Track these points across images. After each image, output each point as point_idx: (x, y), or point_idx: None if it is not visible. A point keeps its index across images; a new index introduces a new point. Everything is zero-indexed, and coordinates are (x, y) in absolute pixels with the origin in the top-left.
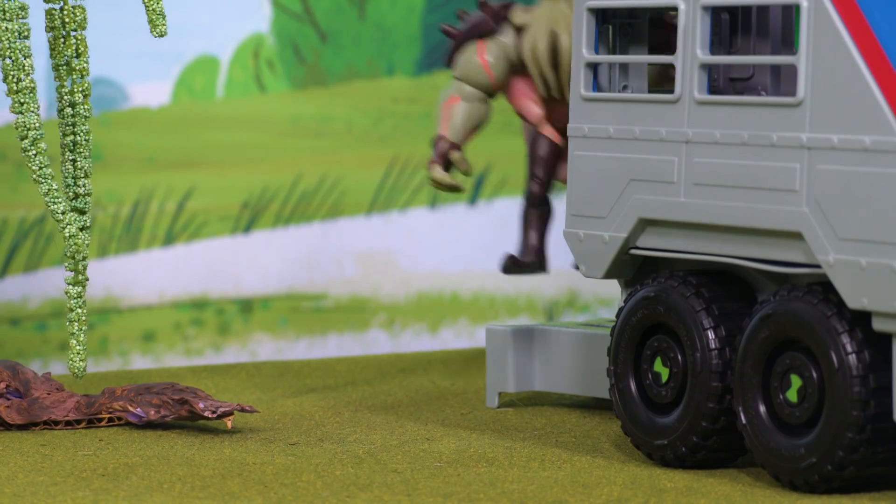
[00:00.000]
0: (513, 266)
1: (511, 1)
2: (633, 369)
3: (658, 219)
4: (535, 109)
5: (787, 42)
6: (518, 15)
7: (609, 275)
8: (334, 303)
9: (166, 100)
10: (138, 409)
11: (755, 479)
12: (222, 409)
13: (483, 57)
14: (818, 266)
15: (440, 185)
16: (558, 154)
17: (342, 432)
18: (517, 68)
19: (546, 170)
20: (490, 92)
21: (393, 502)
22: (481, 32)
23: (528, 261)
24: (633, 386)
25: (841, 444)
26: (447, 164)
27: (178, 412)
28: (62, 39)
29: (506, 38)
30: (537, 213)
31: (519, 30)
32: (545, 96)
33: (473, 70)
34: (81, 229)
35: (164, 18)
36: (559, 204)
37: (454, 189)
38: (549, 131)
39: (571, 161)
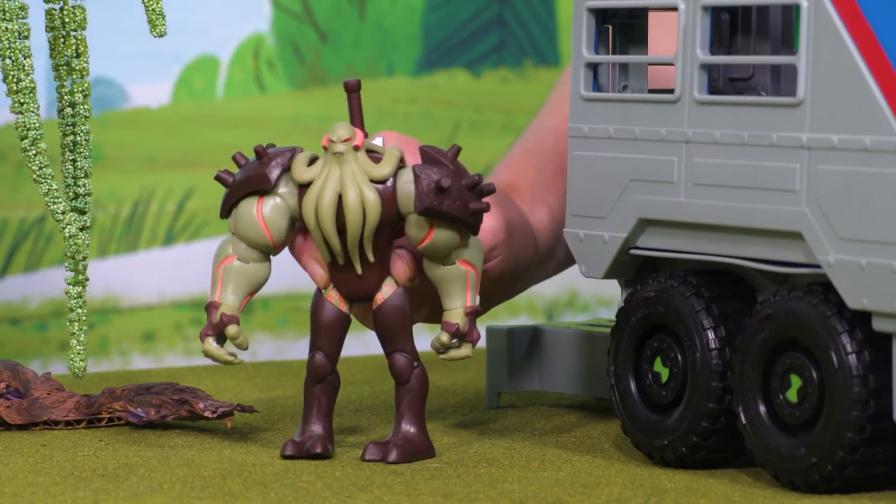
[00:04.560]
0: (294, 454)
1: (293, 149)
2: (633, 369)
3: (658, 219)
4: (318, 272)
5: (787, 42)
6: (300, 169)
7: (609, 275)
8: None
9: (166, 100)
10: (138, 409)
11: (755, 479)
12: (222, 409)
13: (261, 214)
14: (818, 266)
15: (214, 360)
16: (344, 324)
17: (342, 432)
18: (301, 224)
19: (330, 340)
20: (269, 251)
21: (393, 502)
22: (258, 187)
23: (312, 450)
24: (633, 386)
25: (841, 444)
26: (222, 337)
27: (178, 412)
28: (62, 39)
29: (286, 190)
30: (322, 387)
31: (302, 185)
32: (329, 262)
33: (250, 228)
34: (81, 229)
35: (164, 18)
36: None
37: (230, 363)
38: (333, 297)
39: (571, 161)
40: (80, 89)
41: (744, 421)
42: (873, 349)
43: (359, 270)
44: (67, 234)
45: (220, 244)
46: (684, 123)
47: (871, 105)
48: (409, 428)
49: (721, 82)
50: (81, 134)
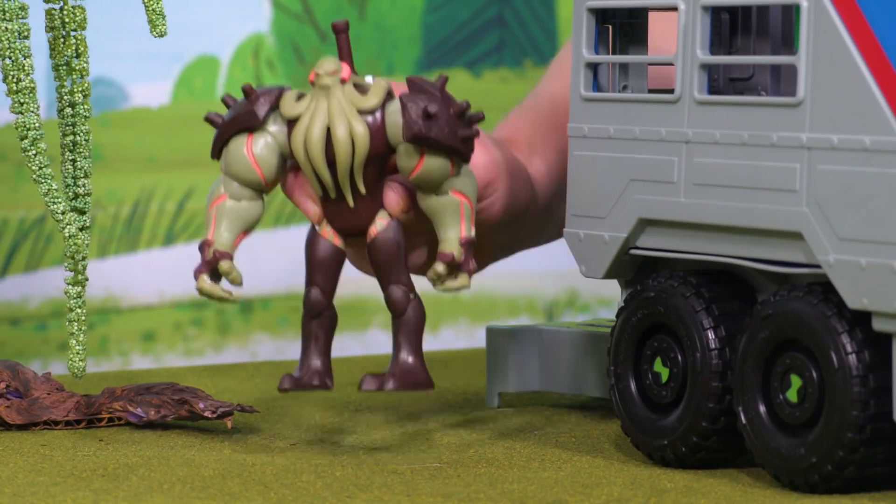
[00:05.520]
0: (292, 388)
1: (281, 87)
2: (633, 369)
3: (658, 219)
4: (312, 208)
5: (787, 42)
6: (288, 105)
7: (609, 275)
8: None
9: (166, 100)
10: (138, 409)
11: (755, 479)
12: (222, 409)
13: (251, 151)
14: (818, 266)
15: (209, 297)
16: (339, 258)
17: (342, 432)
18: (292, 162)
19: (325, 275)
20: (261, 189)
21: (393, 502)
22: (247, 124)
23: (310, 383)
24: (633, 386)
25: (841, 444)
26: (216, 274)
27: (178, 412)
28: (62, 39)
29: (276, 128)
30: (318, 323)
31: (290, 121)
32: (321, 196)
33: (241, 166)
34: (81, 229)
35: (164, 18)
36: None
37: (224, 300)
38: (327, 233)
39: (571, 161)
40: (80, 89)
41: (744, 421)
42: (873, 349)
43: (351, 203)
44: (67, 234)
45: (212, 186)
46: (684, 123)
47: (871, 105)
48: (406, 358)
49: (721, 82)
50: (81, 134)
